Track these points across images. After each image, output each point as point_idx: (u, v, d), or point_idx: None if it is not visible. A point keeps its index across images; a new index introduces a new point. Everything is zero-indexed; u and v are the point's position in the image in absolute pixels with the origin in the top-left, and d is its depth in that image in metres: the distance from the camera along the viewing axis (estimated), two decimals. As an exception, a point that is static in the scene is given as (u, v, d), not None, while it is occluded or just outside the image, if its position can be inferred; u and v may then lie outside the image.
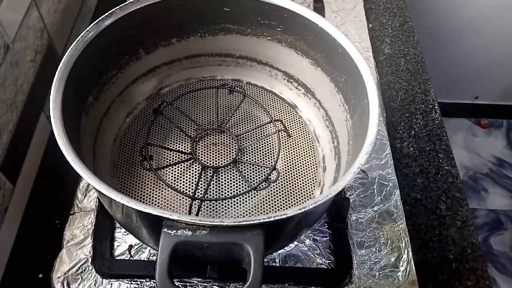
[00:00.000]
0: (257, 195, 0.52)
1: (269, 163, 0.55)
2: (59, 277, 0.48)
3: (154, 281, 0.45)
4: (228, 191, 0.52)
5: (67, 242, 0.51)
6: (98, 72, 0.48)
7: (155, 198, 0.52)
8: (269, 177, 0.53)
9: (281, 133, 0.57)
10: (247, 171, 0.54)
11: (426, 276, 0.51)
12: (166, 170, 0.53)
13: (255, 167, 0.54)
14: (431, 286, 0.51)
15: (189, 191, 0.52)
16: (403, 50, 0.74)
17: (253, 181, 0.53)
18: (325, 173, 0.54)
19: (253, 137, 0.57)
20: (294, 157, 0.56)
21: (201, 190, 0.52)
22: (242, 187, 0.53)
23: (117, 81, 0.52)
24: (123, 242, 0.51)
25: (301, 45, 0.53)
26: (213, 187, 0.53)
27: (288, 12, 0.50)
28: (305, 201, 0.47)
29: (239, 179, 0.53)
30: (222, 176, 0.54)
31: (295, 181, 0.54)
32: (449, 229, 0.55)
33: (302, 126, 0.59)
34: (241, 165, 0.55)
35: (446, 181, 0.59)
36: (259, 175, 0.54)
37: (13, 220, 0.53)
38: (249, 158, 0.55)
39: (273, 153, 0.56)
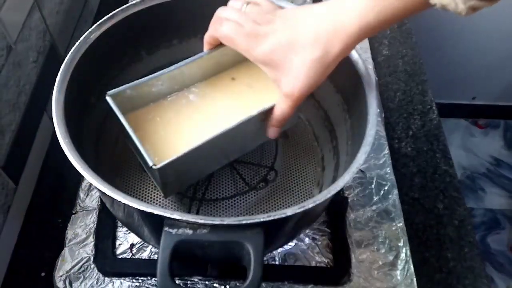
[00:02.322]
0: (256, 195, 0.53)
1: (267, 163, 0.55)
2: (61, 276, 0.49)
3: (156, 279, 0.46)
4: (227, 191, 0.53)
5: (69, 241, 0.51)
6: (100, 73, 0.49)
7: (156, 197, 0.52)
8: (267, 177, 0.54)
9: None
10: (246, 171, 0.55)
11: (424, 275, 0.52)
12: (167, 170, 0.54)
13: (253, 167, 0.55)
14: (429, 285, 0.51)
15: (189, 191, 0.52)
16: (401, 51, 0.74)
17: (252, 181, 0.54)
18: (324, 173, 0.55)
19: (253, 137, 0.57)
20: (293, 157, 0.57)
21: (200, 191, 0.53)
22: (241, 187, 0.53)
23: (119, 82, 0.52)
24: (125, 241, 0.52)
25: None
26: (212, 187, 0.53)
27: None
28: (304, 200, 0.48)
29: (238, 179, 0.54)
30: (220, 176, 0.54)
31: (294, 180, 0.55)
32: (447, 228, 0.55)
33: (301, 126, 0.59)
34: (239, 166, 0.55)
35: (443, 181, 0.59)
36: (257, 175, 0.54)
37: (15, 219, 0.53)
38: (247, 159, 0.56)
39: (271, 153, 0.56)
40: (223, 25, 0.40)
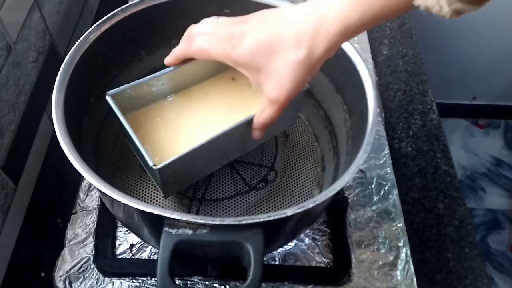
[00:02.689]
0: (256, 195, 0.53)
1: (267, 163, 0.55)
2: (61, 276, 0.49)
3: (156, 279, 0.46)
4: (227, 192, 0.53)
5: (69, 241, 0.51)
6: (99, 73, 0.49)
7: (156, 197, 0.52)
8: (267, 177, 0.54)
9: (279, 133, 0.58)
10: (246, 171, 0.55)
11: (424, 275, 0.52)
12: (167, 170, 0.54)
13: (253, 167, 0.55)
14: (429, 285, 0.51)
15: (189, 191, 0.52)
16: (401, 51, 0.74)
17: (252, 181, 0.54)
18: (324, 173, 0.55)
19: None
20: (293, 157, 0.57)
21: (200, 191, 0.52)
22: (241, 187, 0.53)
23: (119, 82, 0.53)
24: (125, 241, 0.52)
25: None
26: (212, 187, 0.53)
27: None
28: (304, 200, 0.48)
29: (238, 179, 0.54)
30: (220, 176, 0.54)
31: (294, 180, 0.55)
32: (447, 228, 0.55)
33: (301, 126, 0.59)
34: (239, 166, 0.55)
35: (444, 181, 0.59)
36: (257, 175, 0.54)
37: (15, 219, 0.53)
38: (247, 159, 0.56)
39: (271, 153, 0.56)
40: (195, 40, 0.38)
